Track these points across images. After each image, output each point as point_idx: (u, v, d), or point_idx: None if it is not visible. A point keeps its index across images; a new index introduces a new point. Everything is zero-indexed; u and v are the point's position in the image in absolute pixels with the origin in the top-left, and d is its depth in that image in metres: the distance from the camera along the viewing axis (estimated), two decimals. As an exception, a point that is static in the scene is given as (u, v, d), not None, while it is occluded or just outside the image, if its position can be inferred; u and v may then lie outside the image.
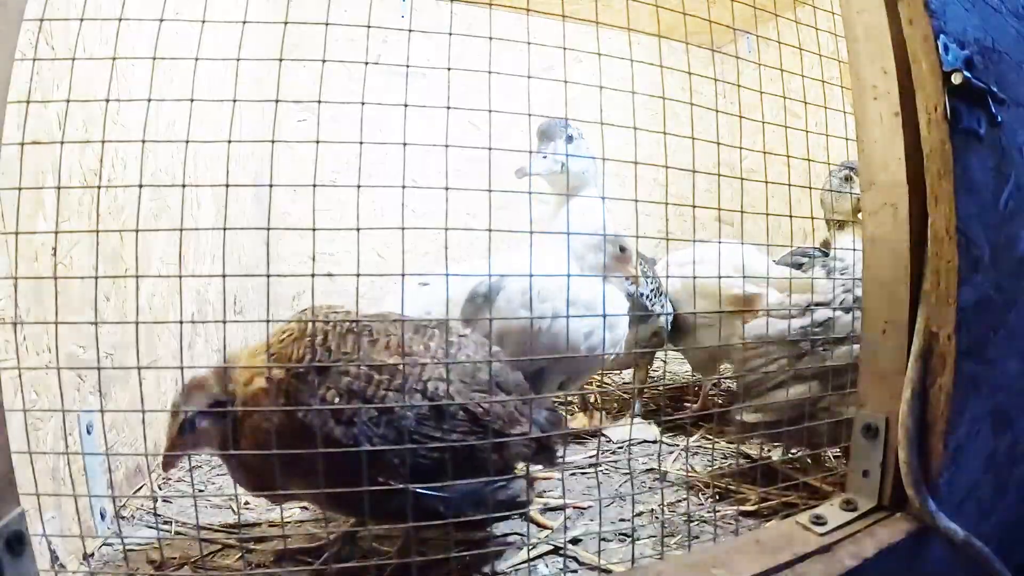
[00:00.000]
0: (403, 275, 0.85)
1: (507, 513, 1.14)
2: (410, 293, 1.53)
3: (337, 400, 0.94)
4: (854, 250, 1.79)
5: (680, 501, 1.40)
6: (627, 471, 1.59)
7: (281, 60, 0.80)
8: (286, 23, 0.88)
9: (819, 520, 0.95)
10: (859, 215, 1.88)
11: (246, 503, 1.41)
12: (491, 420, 1.02)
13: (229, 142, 0.79)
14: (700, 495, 1.44)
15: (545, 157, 1.58)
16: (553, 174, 1.57)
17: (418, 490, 0.94)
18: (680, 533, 1.22)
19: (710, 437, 1.84)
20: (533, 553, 1.16)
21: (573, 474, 1.61)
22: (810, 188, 1.98)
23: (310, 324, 1.02)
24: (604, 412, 2.22)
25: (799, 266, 2.04)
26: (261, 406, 0.95)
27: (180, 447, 0.96)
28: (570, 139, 1.60)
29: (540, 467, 1.30)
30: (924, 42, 0.92)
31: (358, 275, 0.82)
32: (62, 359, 1.03)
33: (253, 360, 1.01)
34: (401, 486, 0.92)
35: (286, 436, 0.91)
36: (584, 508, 1.38)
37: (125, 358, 1.33)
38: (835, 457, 1.57)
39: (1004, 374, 0.99)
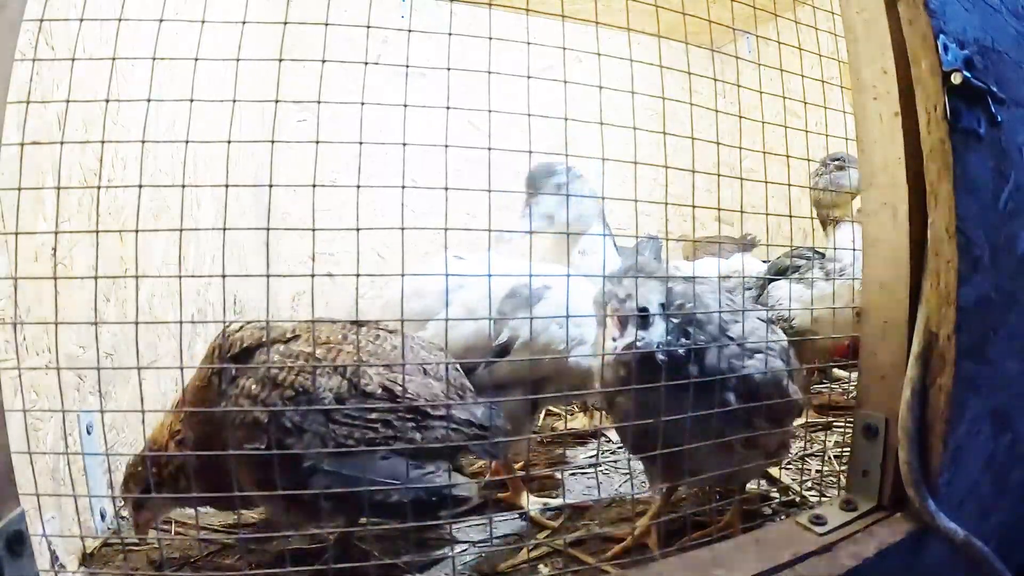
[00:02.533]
0: (403, 275, 0.85)
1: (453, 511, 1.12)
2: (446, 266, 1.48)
3: (255, 388, 1.00)
4: (853, 250, 1.80)
5: (680, 501, 1.40)
6: (627, 471, 1.59)
7: (281, 60, 0.80)
8: (286, 23, 0.88)
9: (819, 520, 0.95)
10: (855, 200, 1.87)
11: (246, 503, 1.41)
12: (411, 398, 1.04)
13: (229, 142, 0.79)
14: (700, 495, 1.44)
15: (524, 216, 1.53)
16: (542, 227, 1.52)
17: (337, 470, 0.96)
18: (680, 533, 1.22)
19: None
20: (533, 553, 1.16)
21: (573, 474, 1.61)
22: (810, 188, 1.98)
23: (220, 338, 1.10)
24: (604, 412, 2.22)
25: (797, 268, 2.04)
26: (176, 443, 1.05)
27: (143, 522, 1.11)
28: (558, 187, 1.54)
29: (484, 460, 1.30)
30: (924, 42, 0.92)
31: (358, 275, 0.82)
32: (62, 359, 1.03)
33: (167, 418, 1.10)
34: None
35: (211, 436, 0.99)
36: (584, 508, 1.38)
37: (125, 358, 1.33)
38: (835, 457, 1.57)
39: (1004, 374, 0.99)
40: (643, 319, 1.05)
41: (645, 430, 1.01)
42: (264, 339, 1.05)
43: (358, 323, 1.16)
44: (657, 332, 1.07)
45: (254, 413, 0.98)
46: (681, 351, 1.05)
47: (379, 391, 1.03)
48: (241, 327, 1.10)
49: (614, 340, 1.05)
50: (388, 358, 1.09)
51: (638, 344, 1.04)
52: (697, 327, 1.08)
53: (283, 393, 0.99)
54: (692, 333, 1.08)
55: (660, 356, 1.04)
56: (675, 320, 1.08)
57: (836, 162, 1.91)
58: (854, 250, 1.77)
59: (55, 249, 1.07)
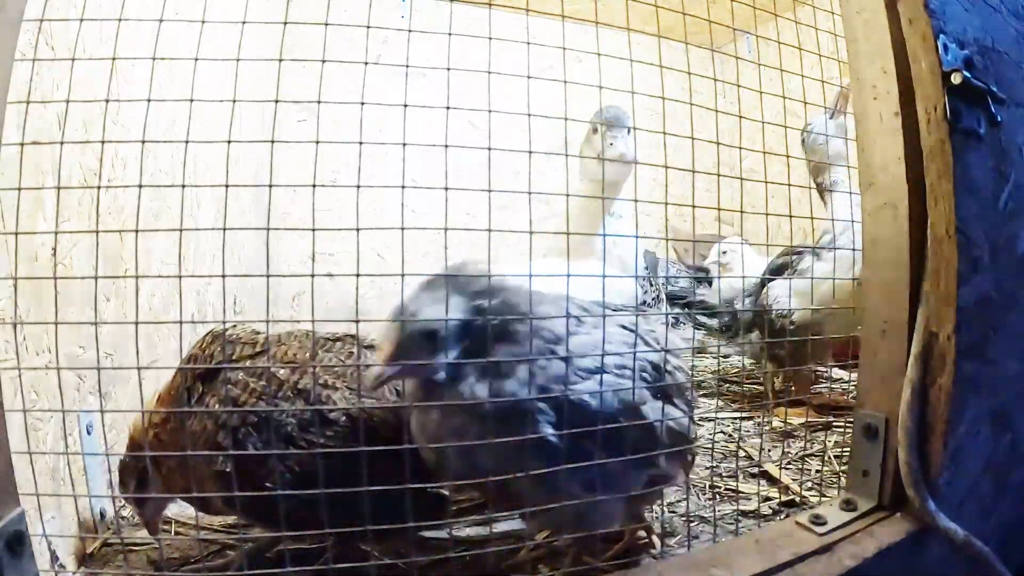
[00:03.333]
0: (403, 275, 0.85)
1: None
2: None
3: (218, 407, 0.98)
4: (851, 218, 1.78)
5: (680, 501, 1.40)
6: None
7: (281, 60, 0.80)
8: (286, 23, 0.88)
9: (819, 520, 0.95)
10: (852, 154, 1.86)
11: (246, 503, 1.41)
12: (376, 427, 0.99)
13: (229, 142, 0.79)
14: (700, 495, 1.44)
15: (623, 139, 1.51)
16: (625, 161, 1.51)
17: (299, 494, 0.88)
18: (680, 533, 1.22)
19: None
20: (533, 553, 1.16)
21: (573, 474, 1.61)
22: (810, 188, 1.98)
23: (199, 345, 1.08)
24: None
25: (791, 264, 2.04)
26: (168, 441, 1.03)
27: (149, 516, 1.10)
28: (629, 131, 1.55)
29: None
30: (924, 42, 0.92)
31: (358, 275, 0.82)
32: (62, 359, 1.03)
33: (150, 405, 1.08)
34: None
35: (181, 446, 0.97)
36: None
37: (125, 358, 1.33)
38: (835, 457, 1.57)
39: (1004, 374, 0.99)
40: (431, 344, 0.85)
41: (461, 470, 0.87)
42: (233, 354, 1.03)
43: (333, 338, 1.12)
44: (448, 359, 0.87)
45: (217, 436, 0.97)
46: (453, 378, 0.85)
47: (343, 418, 0.99)
48: (222, 334, 1.08)
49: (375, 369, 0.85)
50: (354, 378, 1.03)
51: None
52: (509, 340, 0.87)
53: (245, 418, 0.96)
54: (496, 354, 0.86)
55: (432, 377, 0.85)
56: (474, 339, 0.86)
57: (809, 126, 1.91)
58: (851, 218, 1.76)
59: (55, 249, 1.07)
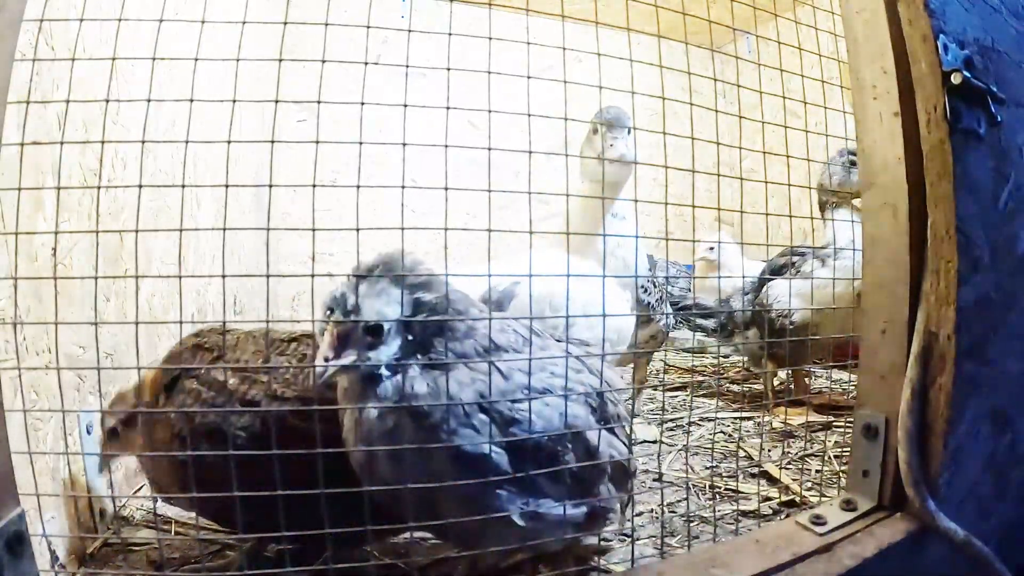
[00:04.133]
0: (402, 275, 0.85)
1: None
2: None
3: (172, 416, 0.98)
4: (852, 222, 1.81)
5: (680, 501, 1.40)
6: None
7: (281, 60, 0.80)
8: (286, 23, 0.88)
9: (819, 520, 0.95)
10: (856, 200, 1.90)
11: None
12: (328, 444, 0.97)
13: (229, 142, 0.79)
14: (700, 495, 1.44)
15: (623, 140, 1.49)
16: (625, 162, 1.48)
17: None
18: (680, 533, 1.23)
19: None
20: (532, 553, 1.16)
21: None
22: (810, 188, 1.99)
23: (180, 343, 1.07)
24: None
25: (793, 264, 2.04)
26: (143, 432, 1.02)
27: (109, 450, 1.10)
28: (629, 131, 1.54)
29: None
30: (923, 42, 0.92)
31: (358, 276, 0.82)
32: (62, 359, 1.03)
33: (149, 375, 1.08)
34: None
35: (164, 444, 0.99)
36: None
37: (125, 358, 1.33)
38: (835, 457, 1.57)
39: (1004, 374, 0.99)
40: (373, 337, 0.83)
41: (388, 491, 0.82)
42: (195, 361, 1.02)
43: (289, 338, 1.08)
44: (389, 352, 0.84)
45: (173, 446, 0.97)
46: (418, 370, 0.82)
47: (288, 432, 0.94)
48: (197, 334, 1.07)
49: (326, 360, 0.81)
50: (307, 387, 0.98)
51: (362, 368, 0.81)
52: (451, 337, 0.85)
53: (195, 428, 0.95)
54: (437, 349, 0.84)
55: (384, 372, 0.83)
56: (415, 334, 0.85)
57: (852, 155, 1.93)
58: (853, 222, 1.78)
59: (55, 249, 1.07)
